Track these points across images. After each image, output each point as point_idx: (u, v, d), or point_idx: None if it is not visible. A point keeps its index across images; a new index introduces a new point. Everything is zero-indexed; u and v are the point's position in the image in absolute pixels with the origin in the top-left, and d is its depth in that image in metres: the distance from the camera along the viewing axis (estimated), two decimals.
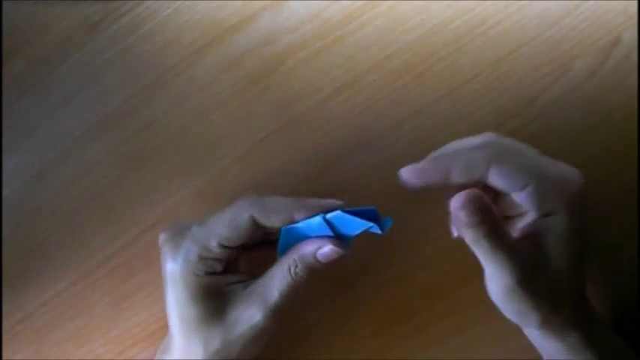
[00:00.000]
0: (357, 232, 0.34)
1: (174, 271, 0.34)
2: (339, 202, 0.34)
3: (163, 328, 0.42)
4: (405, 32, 0.41)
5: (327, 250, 0.33)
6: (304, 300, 0.41)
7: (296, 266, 0.33)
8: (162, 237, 0.35)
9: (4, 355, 0.42)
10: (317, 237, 0.34)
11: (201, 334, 0.33)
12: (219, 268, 0.34)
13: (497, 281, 0.31)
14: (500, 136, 0.33)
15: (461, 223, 0.30)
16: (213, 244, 0.33)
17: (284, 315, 0.34)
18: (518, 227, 0.33)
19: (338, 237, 0.34)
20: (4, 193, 0.43)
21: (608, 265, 0.41)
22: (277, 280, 0.33)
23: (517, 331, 0.40)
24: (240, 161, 0.42)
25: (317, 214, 0.33)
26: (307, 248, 0.33)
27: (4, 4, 0.43)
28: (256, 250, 0.37)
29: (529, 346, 0.40)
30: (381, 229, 0.33)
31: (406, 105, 0.41)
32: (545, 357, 0.36)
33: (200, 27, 0.42)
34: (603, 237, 0.41)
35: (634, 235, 0.40)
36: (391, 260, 0.41)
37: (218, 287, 0.34)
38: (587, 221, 0.32)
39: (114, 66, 0.42)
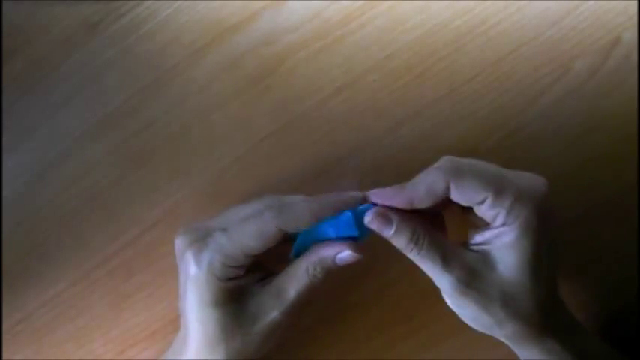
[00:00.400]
0: None
1: (198, 277, 0.34)
2: (361, 194, 0.34)
3: (163, 328, 0.42)
4: (405, 32, 0.41)
5: (346, 255, 0.34)
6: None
7: (314, 268, 0.34)
8: (181, 241, 0.35)
9: (4, 355, 0.42)
10: (336, 237, 0.34)
11: (223, 335, 0.34)
12: (241, 273, 0.34)
13: (440, 287, 0.34)
14: (457, 158, 0.34)
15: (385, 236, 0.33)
16: (239, 254, 0.33)
17: (299, 311, 0.35)
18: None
19: (360, 232, 0.34)
20: (4, 193, 0.43)
21: (607, 266, 0.41)
22: (295, 281, 0.34)
23: None
24: (240, 161, 0.42)
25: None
26: (327, 252, 0.34)
27: (4, 4, 0.43)
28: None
29: None
30: None
31: (406, 105, 0.41)
32: None
33: (200, 27, 0.42)
34: (603, 237, 0.41)
35: (634, 235, 0.40)
36: (391, 261, 0.41)
37: (239, 289, 0.34)
38: (553, 230, 0.33)
39: (114, 66, 0.42)
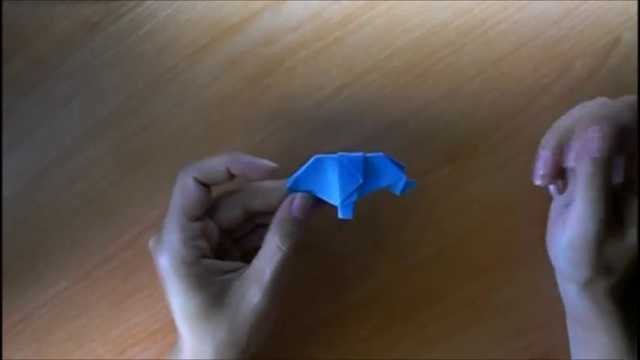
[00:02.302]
0: (385, 183, 0.35)
1: (165, 266, 0.34)
2: (273, 165, 0.35)
3: (163, 328, 0.42)
4: (405, 32, 0.41)
5: (297, 201, 0.35)
6: (304, 300, 0.41)
7: (282, 238, 0.34)
8: (150, 244, 0.36)
9: (4, 355, 0.42)
10: (338, 179, 0.34)
11: (206, 326, 0.34)
12: (205, 248, 0.35)
13: (579, 223, 0.34)
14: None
15: (587, 152, 0.33)
16: (183, 221, 0.34)
17: (280, 291, 0.34)
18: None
19: (364, 181, 0.34)
20: (4, 193, 0.43)
21: None
22: (268, 259, 0.34)
23: (517, 331, 0.40)
24: None
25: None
26: (282, 211, 0.35)
27: (4, 4, 0.43)
28: (248, 240, 0.38)
29: (530, 346, 0.40)
30: (403, 189, 0.35)
31: (406, 105, 0.41)
32: (571, 312, 0.37)
33: (200, 27, 0.42)
34: None
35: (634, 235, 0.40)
36: (391, 260, 0.41)
37: (214, 275, 0.34)
38: None
39: (114, 66, 0.42)
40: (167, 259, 0.34)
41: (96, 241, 0.42)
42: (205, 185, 0.35)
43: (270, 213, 0.35)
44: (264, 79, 0.42)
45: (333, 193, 0.34)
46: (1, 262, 0.42)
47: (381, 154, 0.35)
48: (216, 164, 0.35)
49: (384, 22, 0.41)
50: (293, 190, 0.35)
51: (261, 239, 0.35)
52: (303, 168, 0.35)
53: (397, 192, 0.35)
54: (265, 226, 0.36)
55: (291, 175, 0.35)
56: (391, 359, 0.41)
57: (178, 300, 0.34)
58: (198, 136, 0.42)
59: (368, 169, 0.34)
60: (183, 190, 0.35)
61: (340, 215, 0.34)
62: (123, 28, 0.42)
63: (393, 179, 0.35)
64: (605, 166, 0.33)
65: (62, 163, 0.42)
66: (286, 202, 0.35)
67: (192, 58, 0.42)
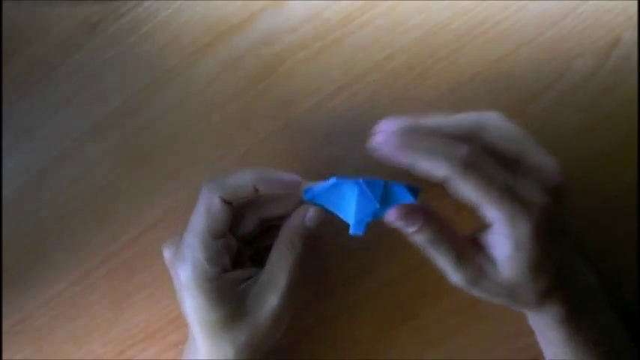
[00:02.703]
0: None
1: (188, 281, 0.34)
2: (299, 180, 0.35)
3: (163, 328, 0.42)
4: (405, 32, 0.41)
5: (310, 213, 0.35)
6: (304, 300, 0.41)
7: (292, 243, 0.35)
8: (168, 252, 0.36)
9: (4, 355, 0.42)
10: (356, 201, 0.34)
11: (227, 334, 0.34)
12: (227, 263, 0.35)
13: (450, 280, 0.34)
14: (487, 128, 0.33)
15: (405, 232, 0.33)
16: (208, 240, 0.34)
17: (294, 291, 0.35)
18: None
19: (381, 207, 0.34)
20: (4, 193, 0.43)
21: (607, 265, 0.41)
22: (281, 263, 0.35)
23: (516, 331, 0.40)
24: (240, 161, 0.42)
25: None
26: (294, 221, 0.35)
27: (4, 4, 0.43)
28: (260, 242, 0.38)
29: (529, 346, 0.40)
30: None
31: (406, 105, 0.41)
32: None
33: (200, 27, 0.42)
34: (603, 237, 0.41)
35: (634, 235, 0.40)
36: (391, 260, 0.41)
37: (232, 287, 0.35)
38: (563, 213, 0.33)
39: (114, 66, 0.42)
40: (190, 275, 0.34)
41: (96, 241, 0.42)
42: (230, 203, 0.35)
43: (281, 216, 0.36)
44: (264, 80, 0.42)
45: (347, 213, 0.35)
46: (1, 262, 0.42)
47: (401, 184, 0.34)
48: (243, 182, 0.34)
49: (384, 22, 0.41)
50: (309, 201, 0.36)
51: (269, 238, 0.36)
52: (321, 186, 0.35)
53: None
54: (273, 226, 0.36)
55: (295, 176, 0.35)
56: (391, 359, 0.41)
57: (200, 313, 0.34)
58: (198, 136, 0.42)
59: (386, 195, 0.34)
60: (209, 210, 0.34)
61: (352, 232, 0.35)
62: (123, 28, 0.42)
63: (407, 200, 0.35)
64: (422, 233, 0.33)
65: (62, 163, 0.42)
66: (300, 211, 0.36)
67: (192, 58, 0.42)
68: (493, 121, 0.33)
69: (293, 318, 0.41)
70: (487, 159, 0.32)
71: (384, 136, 0.33)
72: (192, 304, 0.34)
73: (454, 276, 0.34)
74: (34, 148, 0.43)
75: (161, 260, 0.41)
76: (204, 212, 0.34)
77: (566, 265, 0.34)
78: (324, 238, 0.41)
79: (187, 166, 0.42)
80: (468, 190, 0.31)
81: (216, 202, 0.34)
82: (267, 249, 0.36)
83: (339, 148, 0.41)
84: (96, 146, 0.42)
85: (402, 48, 0.41)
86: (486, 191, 0.31)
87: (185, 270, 0.34)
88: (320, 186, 0.35)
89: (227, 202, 0.35)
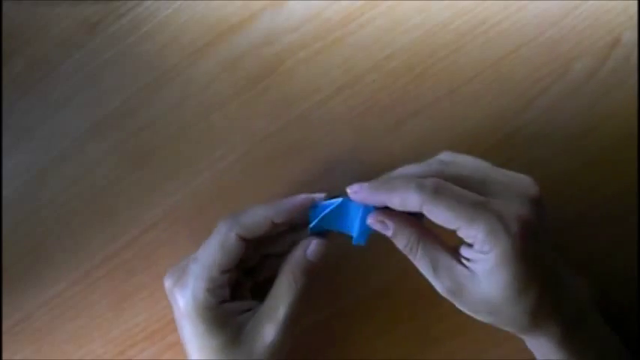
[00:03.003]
0: None
1: (188, 310, 0.35)
2: (310, 197, 0.36)
3: (163, 329, 0.42)
4: (405, 32, 0.41)
5: (313, 247, 0.35)
6: (305, 300, 0.41)
7: (294, 277, 0.35)
8: (168, 280, 0.36)
9: (4, 355, 0.42)
10: (358, 224, 0.35)
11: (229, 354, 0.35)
12: (227, 294, 0.35)
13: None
14: (446, 163, 0.34)
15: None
16: (215, 273, 0.34)
17: (294, 325, 0.35)
18: None
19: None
20: (4, 193, 0.43)
21: (607, 266, 0.41)
22: (282, 296, 0.35)
23: None
24: (240, 161, 0.42)
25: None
26: (297, 255, 0.35)
27: (4, 4, 0.43)
28: (259, 272, 0.38)
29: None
30: None
31: (406, 105, 0.41)
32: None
33: (200, 27, 0.42)
34: (603, 237, 0.41)
35: (634, 235, 0.40)
36: (392, 261, 0.41)
37: (232, 316, 0.35)
38: (545, 230, 0.32)
39: (114, 66, 0.42)
40: (190, 303, 0.34)
41: (96, 241, 0.42)
42: (244, 239, 0.35)
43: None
44: (264, 79, 0.42)
45: (351, 227, 0.35)
46: (1, 262, 0.42)
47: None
48: (260, 220, 0.35)
49: (384, 22, 0.41)
50: (313, 229, 0.36)
51: (269, 269, 0.37)
52: (327, 205, 0.35)
53: None
54: (273, 257, 0.37)
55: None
56: (393, 359, 0.41)
57: (198, 340, 0.35)
58: (198, 136, 0.42)
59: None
60: (224, 245, 0.35)
61: (355, 242, 0.35)
62: (123, 28, 0.42)
63: None
64: (397, 241, 0.34)
65: (62, 163, 0.42)
66: (303, 245, 0.36)
67: (192, 58, 0.42)
68: (448, 157, 0.35)
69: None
70: (454, 185, 0.32)
71: (358, 184, 0.34)
72: (192, 332, 0.35)
73: (434, 284, 0.34)
74: (34, 148, 0.43)
75: (161, 260, 0.42)
76: (218, 246, 0.35)
77: (556, 282, 0.33)
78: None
79: (187, 166, 0.42)
80: (441, 212, 0.32)
81: (233, 238, 0.34)
82: (267, 281, 0.36)
83: (340, 147, 0.41)
84: (96, 146, 0.42)
85: (402, 48, 0.41)
86: (459, 210, 0.31)
87: (184, 297, 0.35)
88: (326, 205, 0.35)
89: (242, 239, 0.35)
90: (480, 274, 0.32)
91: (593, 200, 0.40)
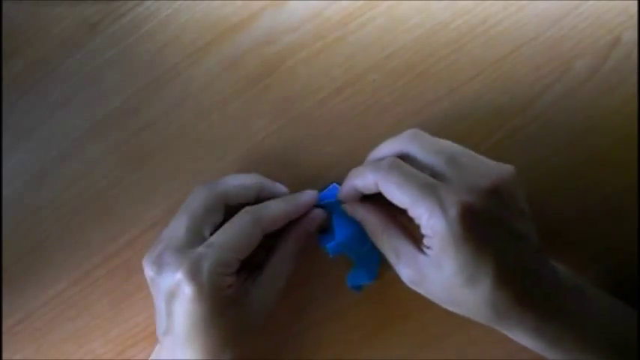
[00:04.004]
0: None
1: (196, 294, 0.33)
2: (313, 192, 0.38)
3: None
4: (405, 32, 0.41)
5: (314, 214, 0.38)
6: (304, 300, 0.41)
7: (295, 248, 0.38)
8: (150, 271, 0.35)
9: (4, 355, 0.42)
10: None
11: (228, 339, 0.35)
12: (234, 280, 0.35)
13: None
14: (412, 141, 0.35)
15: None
16: (232, 260, 0.35)
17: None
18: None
19: None
20: (4, 193, 0.43)
21: (607, 266, 0.41)
22: (282, 269, 0.37)
23: None
24: (240, 161, 0.42)
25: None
26: (300, 230, 0.38)
27: (4, 4, 0.43)
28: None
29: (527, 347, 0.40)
30: None
31: (406, 105, 0.41)
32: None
33: (200, 27, 0.42)
34: (603, 237, 0.41)
35: (634, 235, 0.40)
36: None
37: (235, 294, 0.35)
38: (508, 219, 0.32)
39: (114, 66, 0.42)
40: (206, 287, 0.33)
41: (96, 241, 0.42)
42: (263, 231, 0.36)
43: None
44: (264, 79, 0.42)
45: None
46: (1, 262, 0.42)
47: None
48: (282, 214, 0.37)
49: (384, 21, 0.41)
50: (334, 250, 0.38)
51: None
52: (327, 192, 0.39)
53: None
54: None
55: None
56: (391, 359, 0.41)
57: (200, 323, 0.34)
58: (198, 136, 0.42)
59: None
60: (249, 237, 0.35)
61: (328, 250, 0.38)
62: (123, 28, 0.42)
63: None
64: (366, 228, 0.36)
65: (62, 163, 0.42)
66: (306, 220, 0.38)
67: (193, 57, 0.42)
68: (412, 136, 0.35)
69: (291, 318, 0.41)
70: (409, 165, 0.33)
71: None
72: (195, 317, 0.34)
73: (399, 274, 0.34)
74: (34, 148, 0.43)
75: None
76: (242, 235, 0.35)
77: (521, 273, 0.32)
78: None
79: (187, 166, 0.42)
80: (391, 191, 0.33)
81: (258, 232, 0.35)
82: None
83: (339, 147, 0.41)
84: (96, 146, 0.42)
85: (402, 47, 0.41)
86: (407, 189, 0.32)
87: (198, 281, 0.33)
88: (325, 195, 0.39)
89: (263, 231, 0.36)
90: (435, 261, 0.32)
91: (594, 199, 0.40)
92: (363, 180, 0.35)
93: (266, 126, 0.42)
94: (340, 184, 0.37)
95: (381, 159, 0.35)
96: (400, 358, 0.41)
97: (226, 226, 0.35)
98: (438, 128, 0.41)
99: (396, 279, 0.41)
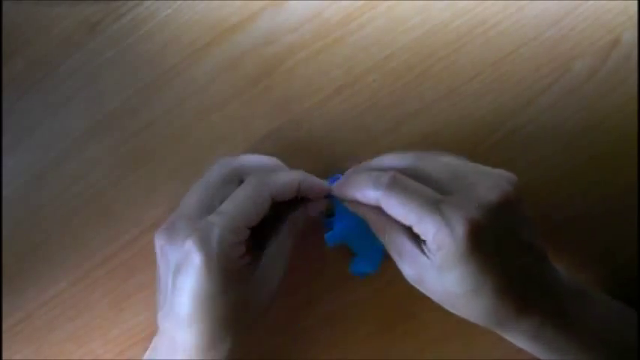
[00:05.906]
0: None
1: (205, 264, 0.32)
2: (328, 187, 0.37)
3: None
4: (405, 32, 0.41)
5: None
6: (304, 300, 0.41)
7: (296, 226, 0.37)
8: (160, 239, 0.35)
9: (4, 355, 0.42)
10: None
11: (233, 317, 0.34)
12: (243, 250, 0.34)
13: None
14: (416, 158, 0.35)
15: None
16: (242, 228, 0.34)
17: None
18: None
19: None
20: (4, 193, 0.43)
21: (607, 266, 0.41)
22: (286, 250, 0.36)
23: None
24: None
25: None
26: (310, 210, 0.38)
27: (4, 4, 0.43)
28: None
29: None
30: None
31: (406, 105, 0.41)
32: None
33: (200, 27, 0.42)
34: (603, 237, 0.41)
35: (634, 235, 0.40)
36: (391, 260, 0.41)
37: (244, 269, 0.34)
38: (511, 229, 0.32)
39: (114, 66, 0.42)
40: (212, 257, 0.33)
41: (96, 241, 0.42)
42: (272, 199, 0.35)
43: None
44: (264, 79, 0.42)
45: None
46: (1, 262, 0.42)
47: None
48: (292, 183, 0.36)
49: (384, 22, 0.41)
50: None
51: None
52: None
53: None
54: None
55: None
56: (392, 359, 0.41)
57: (208, 297, 0.33)
58: (198, 136, 0.42)
59: None
60: (256, 202, 0.34)
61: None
62: (123, 28, 0.42)
63: None
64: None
65: (62, 163, 0.42)
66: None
67: (192, 58, 0.42)
68: (416, 154, 0.35)
69: (292, 318, 0.41)
70: (412, 180, 0.33)
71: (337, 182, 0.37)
72: (202, 290, 0.33)
73: (402, 271, 0.35)
74: (34, 148, 0.43)
75: None
76: (250, 202, 0.34)
77: (524, 283, 0.32)
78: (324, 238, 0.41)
79: (187, 166, 0.42)
80: (394, 208, 0.32)
81: (267, 198, 0.34)
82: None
83: (340, 147, 0.41)
84: (96, 146, 0.42)
85: (402, 48, 0.41)
86: (410, 207, 0.32)
87: (207, 249, 0.32)
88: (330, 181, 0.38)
89: (271, 198, 0.35)
90: (436, 267, 0.32)
91: (594, 199, 0.40)
92: (364, 195, 0.34)
93: (266, 126, 0.42)
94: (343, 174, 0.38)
95: (382, 171, 0.34)
96: (401, 357, 0.41)
97: (235, 193, 0.35)
98: (437, 128, 0.41)
99: (397, 279, 0.41)
